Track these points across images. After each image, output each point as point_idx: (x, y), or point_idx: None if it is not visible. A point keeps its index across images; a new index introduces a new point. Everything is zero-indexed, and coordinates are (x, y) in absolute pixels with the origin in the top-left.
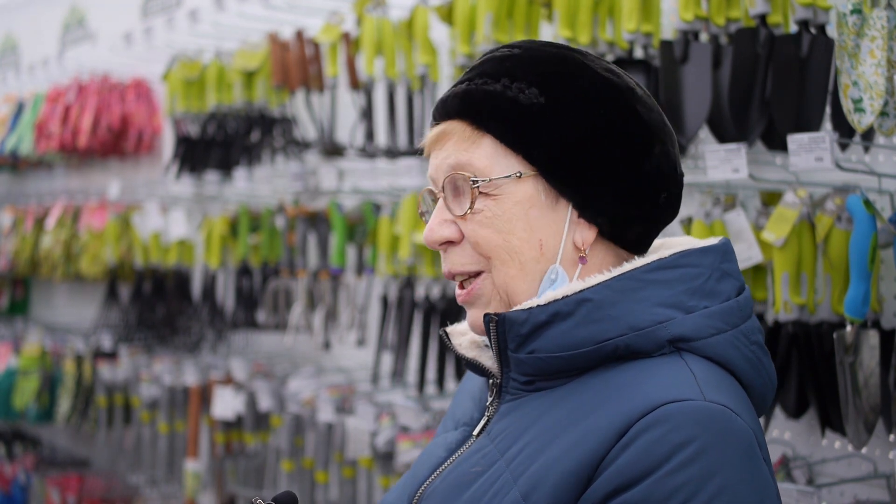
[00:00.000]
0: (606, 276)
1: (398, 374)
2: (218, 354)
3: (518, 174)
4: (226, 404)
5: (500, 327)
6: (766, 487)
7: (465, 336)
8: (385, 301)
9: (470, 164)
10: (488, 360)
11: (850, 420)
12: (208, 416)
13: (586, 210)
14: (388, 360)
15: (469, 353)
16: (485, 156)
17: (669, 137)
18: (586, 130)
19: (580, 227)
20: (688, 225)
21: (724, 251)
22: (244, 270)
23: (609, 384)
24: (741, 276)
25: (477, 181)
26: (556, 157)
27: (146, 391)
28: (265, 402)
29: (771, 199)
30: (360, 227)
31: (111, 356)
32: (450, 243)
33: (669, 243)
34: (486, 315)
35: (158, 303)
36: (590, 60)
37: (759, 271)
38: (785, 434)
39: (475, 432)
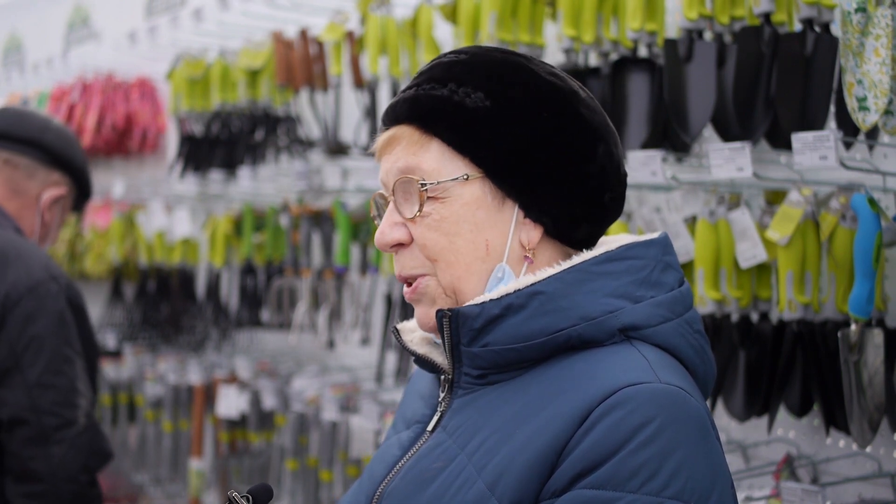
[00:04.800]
0: (557, 269)
1: (402, 372)
2: (222, 353)
3: (465, 176)
4: (230, 403)
5: (453, 322)
6: (720, 463)
7: (415, 333)
8: (389, 300)
9: (418, 167)
10: (439, 356)
11: (854, 419)
12: (213, 415)
13: (531, 210)
14: (392, 359)
15: (420, 349)
16: (433, 159)
17: (612, 138)
18: (531, 133)
19: (526, 227)
20: (692, 224)
21: (665, 244)
22: (248, 269)
23: (565, 373)
24: (680, 268)
25: (425, 184)
26: (501, 159)
27: (150, 390)
28: (269, 401)
29: (775, 197)
30: (364, 226)
31: (115, 355)
32: (400, 246)
33: (607, 240)
34: (438, 311)
35: (163, 302)
36: (534, 65)
37: (764, 270)
38: (789, 433)
39: (429, 428)
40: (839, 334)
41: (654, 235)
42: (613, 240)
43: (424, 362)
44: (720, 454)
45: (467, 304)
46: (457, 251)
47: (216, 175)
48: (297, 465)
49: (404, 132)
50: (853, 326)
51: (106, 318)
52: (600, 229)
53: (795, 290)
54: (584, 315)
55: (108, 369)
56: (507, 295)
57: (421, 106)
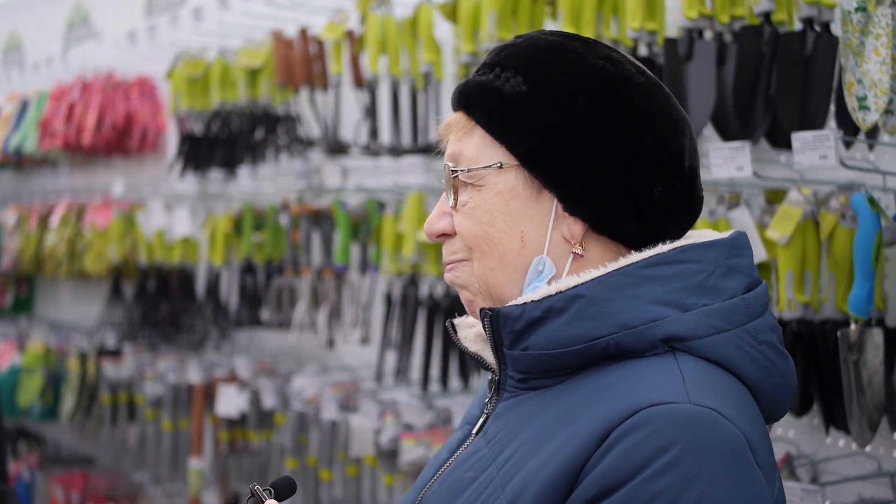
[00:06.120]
0: (601, 271)
1: (402, 371)
2: (222, 352)
3: (499, 164)
4: (230, 402)
5: (494, 323)
6: (756, 495)
7: (471, 329)
8: (389, 299)
9: (461, 154)
10: (490, 355)
11: (854, 418)
12: (212, 414)
13: (568, 202)
14: (391, 358)
15: (473, 346)
16: (474, 146)
17: (670, 127)
18: (566, 120)
19: (567, 221)
20: None
21: (733, 246)
22: (248, 268)
23: (598, 386)
24: (754, 271)
25: (456, 171)
26: (534, 147)
27: (150, 389)
28: (269, 400)
29: (775, 197)
30: (363, 225)
31: (115, 354)
32: (445, 236)
33: (690, 235)
34: (481, 310)
35: (162, 301)
36: (588, 48)
37: (763, 269)
38: (789, 432)
39: (474, 430)
40: (839, 334)
41: (723, 235)
42: (692, 235)
43: (478, 360)
44: (759, 485)
45: (509, 304)
46: (490, 241)
47: (216, 174)
48: (296, 464)
49: (456, 119)
50: (853, 326)
51: (106, 318)
52: (659, 227)
53: (795, 289)
54: (624, 323)
55: (108, 368)
56: (549, 297)
57: (466, 92)
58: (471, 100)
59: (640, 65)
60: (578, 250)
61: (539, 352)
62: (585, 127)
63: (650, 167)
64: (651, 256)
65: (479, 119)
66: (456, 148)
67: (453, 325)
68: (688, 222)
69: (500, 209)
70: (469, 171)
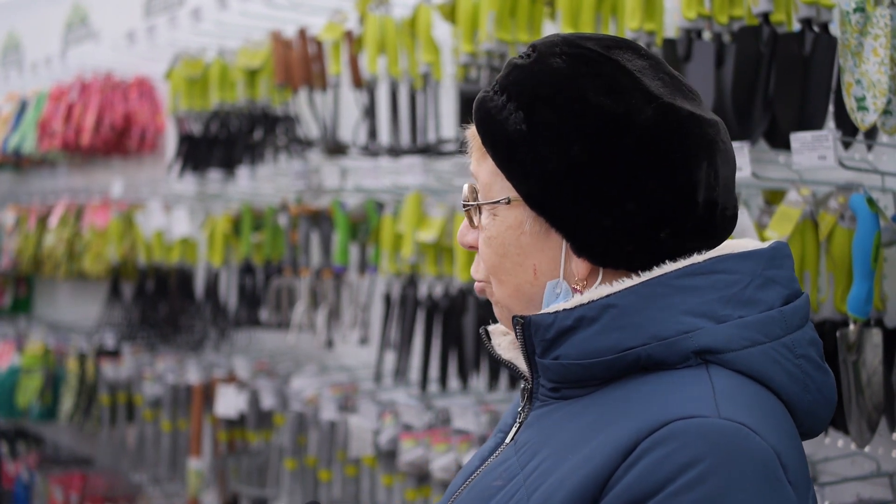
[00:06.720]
0: (634, 280)
1: (401, 372)
2: (221, 353)
3: (507, 200)
4: (229, 403)
5: (526, 331)
6: None
7: (506, 336)
8: (388, 299)
9: (479, 176)
10: (524, 363)
11: (852, 419)
12: (211, 415)
13: (573, 242)
14: (390, 359)
15: (507, 353)
16: (488, 172)
17: (682, 162)
18: (562, 165)
19: (574, 259)
20: None
21: (772, 256)
22: (247, 269)
23: (627, 397)
24: (794, 283)
25: (467, 205)
26: (534, 189)
27: (149, 389)
28: (268, 401)
29: (774, 197)
30: (362, 226)
31: (114, 354)
32: (474, 248)
33: (729, 245)
34: (514, 317)
35: (161, 301)
36: (593, 78)
37: None
38: None
39: (507, 439)
40: (837, 334)
41: (762, 245)
42: (732, 245)
43: (512, 368)
44: (789, 501)
45: (542, 311)
46: (506, 271)
47: (215, 175)
48: (295, 464)
49: (473, 135)
50: (851, 326)
51: (104, 318)
52: (677, 253)
53: None
54: (655, 333)
55: (107, 369)
56: (581, 305)
57: (479, 114)
58: (482, 125)
59: (653, 86)
60: (579, 287)
61: (570, 361)
62: (581, 173)
63: (653, 213)
64: (686, 266)
65: (487, 148)
66: (474, 168)
67: (487, 332)
68: (715, 241)
69: (511, 243)
70: (479, 205)
